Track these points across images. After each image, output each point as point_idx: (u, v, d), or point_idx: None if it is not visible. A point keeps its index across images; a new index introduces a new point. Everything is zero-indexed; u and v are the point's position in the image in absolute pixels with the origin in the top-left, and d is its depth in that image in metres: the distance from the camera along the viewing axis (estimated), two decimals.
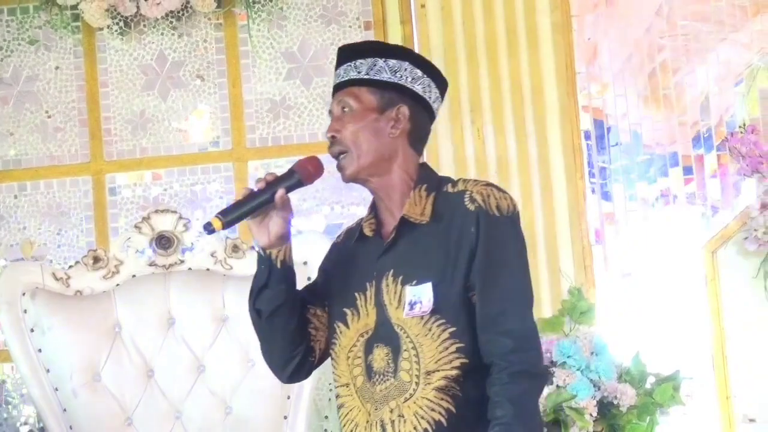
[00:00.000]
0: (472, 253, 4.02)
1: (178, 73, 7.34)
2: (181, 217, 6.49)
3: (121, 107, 7.34)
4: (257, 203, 4.02)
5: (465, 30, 6.96)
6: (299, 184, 4.08)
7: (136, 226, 6.49)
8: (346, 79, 4.19)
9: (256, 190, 4.04)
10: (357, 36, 7.19)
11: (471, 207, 4.05)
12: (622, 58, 7.07)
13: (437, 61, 6.61)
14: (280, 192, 4.01)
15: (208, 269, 6.44)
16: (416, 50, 6.81)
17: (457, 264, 4.04)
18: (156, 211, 6.52)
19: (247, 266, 6.34)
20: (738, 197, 6.85)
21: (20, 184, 7.33)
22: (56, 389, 6.25)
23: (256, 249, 4.13)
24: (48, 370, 6.26)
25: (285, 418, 6.26)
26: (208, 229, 3.98)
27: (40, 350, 6.27)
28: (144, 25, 7.24)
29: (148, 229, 6.45)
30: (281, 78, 7.31)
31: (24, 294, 6.31)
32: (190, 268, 6.45)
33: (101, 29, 7.23)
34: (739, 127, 6.74)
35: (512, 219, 4.09)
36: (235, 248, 6.44)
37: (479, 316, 4.02)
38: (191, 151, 7.36)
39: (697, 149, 7.02)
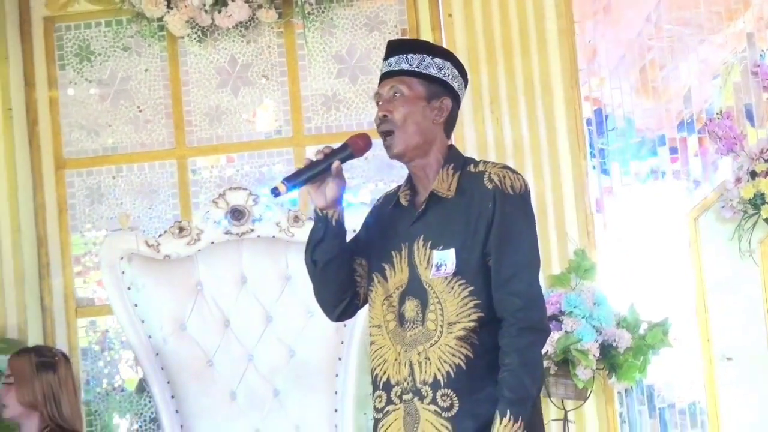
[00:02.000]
0: (489, 225, 4.05)
1: (247, 73, 7.30)
2: (251, 194, 6.53)
3: (200, 102, 7.30)
4: (316, 171, 4.06)
5: (485, 35, 6.92)
6: (351, 156, 4.12)
7: (213, 201, 6.54)
8: (398, 68, 4.21)
9: (315, 160, 4.07)
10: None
11: (489, 186, 4.08)
12: (617, 56, 7.03)
13: (462, 61, 6.71)
14: (336, 163, 4.05)
15: (273, 236, 6.46)
16: None
17: (476, 234, 4.06)
18: (230, 189, 6.58)
19: (306, 233, 6.30)
20: (716, 173, 6.80)
21: (117, 167, 7.29)
22: (149, 337, 6.32)
23: (315, 210, 4.16)
24: (143, 321, 6.32)
25: (339, 359, 6.30)
26: (275, 192, 4.04)
27: (135, 305, 6.33)
28: (218, 34, 7.19)
29: (224, 203, 6.50)
30: (332, 76, 7.26)
31: (122, 258, 6.36)
32: (258, 236, 6.47)
33: (182, 37, 7.19)
34: (716, 113, 6.72)
35: (523, 197, 4.12)
36: (296, 219, 6.47)
37: (494, 279, 4.05)
38: (258, 138, 7.31)
39: (681, 132, 6.97)
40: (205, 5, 6.99)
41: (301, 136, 7.24)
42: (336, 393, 6.27)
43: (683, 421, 6.73)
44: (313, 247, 4.22)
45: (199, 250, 6.45)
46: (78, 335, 7.17)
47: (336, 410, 6.25)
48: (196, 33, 7.13)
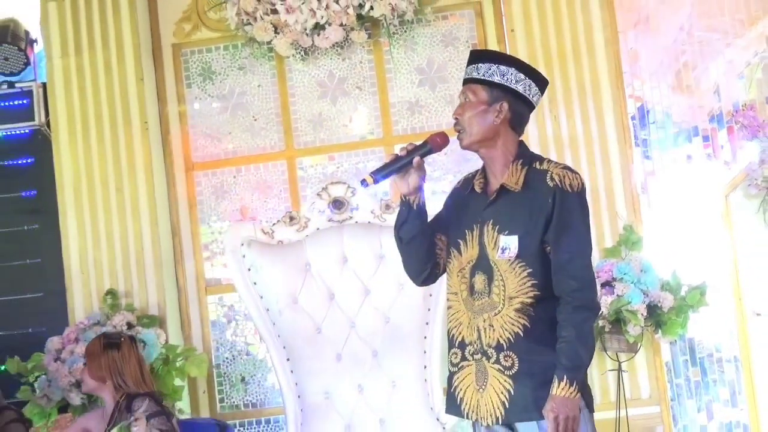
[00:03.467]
0: (548, 218, 4.18)
1: (343, 85, 7.34)
2: (349, 187, 6.59)
3: (305, 111, 7.35)
4: (400, 165, 4.22)
5: (542, 45, 6.87)
6: (430, 151, 4.26)
7: (318, 194, 6.60)
8: (469, 77, 4.34)
9: (399, 155, 4.23)
10: (467, 53, 7.07)
11: (551, 184, 4.19)
12: (655, 60, 7.00)
13: None
14: (417, 159, 4.21)
15: (369, 222, 6.52)
16: None
17: (537, 224, 4.19)
18: (331, 183, 6.63)
19: None
20: (742, 156, 6.73)
21: (237, 168, 7.36)
22: (267, 310, 6.41)
23: (400, 196, 4.31)
24: (261, 297, 6.41)
25: (426, 323, 6.36)
26: (364, 183, 4.24)
27: (255, 283, 6.42)
28: (318, 53, 7.23)
29: (327, 195, 6.57)
30: (415, 86, 7.29)
31: (242, 244, 6.44)
32: (356, 222, 6.53)
33: (288, 57, 7.25)
34: (742, 106, 6.71)
35: (580, 194, 4.22)
36: (387, 206, 6.53)
37: (553, 264, 4.18)
38: (354, 139, 7.34)
39: (712, 123, 6.94)
40: (306, 29, 7.06)
41: (390, 137, 7.27)
42: (425, 352, 6.31)
43: (720, 368, 6.70)
44: (399, 226, 4.37)
45: (307, 235, 6.50)
46: (208, 310, 7.27)
47: (425, 366, 6.29)
48: (299, 53, 7.20)
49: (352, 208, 6.54)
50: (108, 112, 7.19)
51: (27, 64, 7.46)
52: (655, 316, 6.28)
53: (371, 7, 7.04)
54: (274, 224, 6.55)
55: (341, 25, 7.06)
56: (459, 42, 7.26)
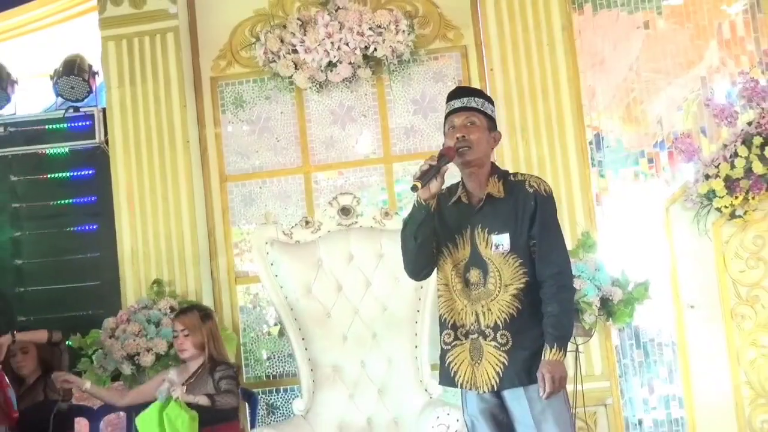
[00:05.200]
0: (532, 217, 4.24)
1: (351, 113, 7.37)
2: (355, 197, 6.57)
3: (319, 134, 7.38)
4: (433, 173, 4.14)
5: (516, 82, 6.86)
6: (448, 161, 4.20)
7: (329, 203, 6.60)
8: (469, 105, 4.33)
9: (432, 164, 4.15)
10: (454, 88, 7.18)
11: (530, 190, 4.27)
12: (609, 96, 7.02)
13: (501, 101, 6.76)
14: (443, 170, 4.17)
15: (371, 227, 6.50)
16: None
17: (523, 223, 4.25)
18: (340, 194, 6.62)
19: (394, 224, 6.39)
20: (680, 176, 6.75)
21: (262, 180, 7.39)
22: (286, 297, 6.39)
23: (417, 200, 4.21)
24: (281, 287, 6.40)
25: (418, 311, 6.35)
26: (414, 189, 4.15)
27: (276, 275, 6.41)
28: (330, 86, 7.28)
29: (336, 204, 6.55)
30: (410, 114, 7.31)
31: (266, 243, 6.43)
32: (361, 226, 6.51)
33: (306, 89, 7.29)
34: (680, 134, 6.69)
35: (552, 197, 4.32)
36: (386, 214, 6.53)
37: (537, 254, 4.23)
38: (359, 158, 7.36)
39: (655, 149, 6.94)
40: (321, 67, 7.12)
41: (390, 156, 7.30)
42: (416, 334, 6.29)
43: (660, 351, 6.71)
44: (416, 227, 4.25)
45: (320, 236, 6.48)
46: (237, 297, 7.30)
47: (416, 346, 6.28)
48: (315, 86, 7.25)
49: (357, 214, 6.51)
50: (156, 133, 7.23)
51: (90, 92, 7.49)
52: (607, 307, 6.24)
53: (375, 49, 7.08)
54: (292, 227, 6.52)
55: (350, 63, 7.11)
56: (447, 78, 7.28)
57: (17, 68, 7.70)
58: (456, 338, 4.35)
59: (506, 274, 4.24)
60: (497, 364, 4.23)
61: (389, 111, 7.33)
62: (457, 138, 4.27)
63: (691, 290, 6.48)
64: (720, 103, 6.59)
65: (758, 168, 6.21)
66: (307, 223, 6.56)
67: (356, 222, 6.53)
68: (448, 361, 4.39)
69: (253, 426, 6.21)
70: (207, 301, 7.07)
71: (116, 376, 6.72)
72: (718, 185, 6.26)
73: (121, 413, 6.48)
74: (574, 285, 4.40)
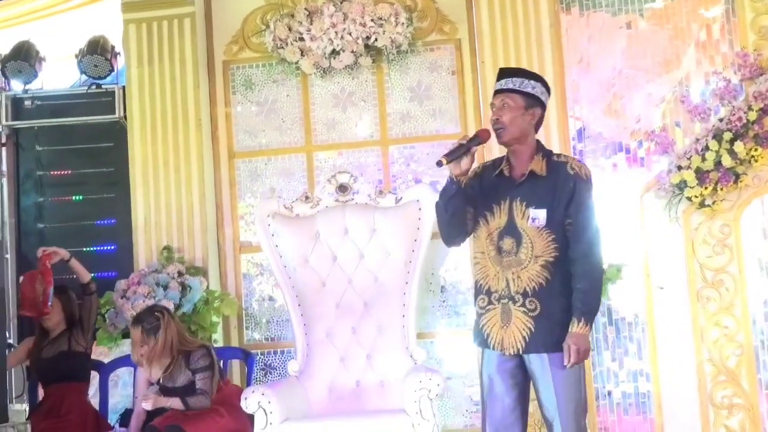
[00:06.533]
0: (569, 198, 4.25)
1: (352, 98, 7.27)
2: (351, 175, 6.55)
3: (321, 116, 7.28)
4: (462, 152, 4.14)
5: None
6: (480, 142, 4.23)
7: (328, 180, 6.59)
8: (506, 87, 4.34)
9: (461, 143, 4.17)
10: (448, 79, 7.11)
11: (571, 172, 4.28)
12: (592, 91, 6.90)
13: (488, 93, 6.46)
14: (473, 150, 4.17)
15: (366, 203, 6.48)
16: (476, 87, 6.87)
17: (560, 202, 4.25)
18: (338, 172, 6.62)
19: (387, 202, 6.42)
20: (655, 166, 6.64)
21: (267, 158, 7.29)
22: (285, 266, 6.39)
23: (450, 176, 4.23)
24: (281, 256, 6.39)
25: (406, 283, 6.31)
26: (439, 164, 4.18)
27: (276, 246, 6.41)
28: (333, 73, 7.16)
29: (334, 181, 6.54)
30: (407, 101, 7.20)
31: (268, 216, 6.44)
32: (356, 203, 6.49)
33: (310, 74, 7.19)
34: (657, 128, 6.63)
35: (591, 181, 4.34)
36: (381, 192, 6.51)
37: (572, 232, 4.23)
38: (358, 140, 7.25)
39: (633, 141, 6.82)
40: (325, 54, 7.01)
41: (386, 139, 7.19)
42: (404, 305, 6.25)
43: (630, 328, 6.62)
44: (447, 200, 4.28)
45: (318, 211, 6.46)
46: (241, 265, 7.22)
47: (403, 316, 6.24)
48: (319, 72, 7.14)
49: (354, 192, 6.50)
50: (171, 111, 7.16)
51: (111, 70, 7.44)
52: None
53: (376, 39, 6.98)
54: (293, 202, 6.53)
55: (352, 51, 7.01)
56: (442, 69, 7.18)
57: (46, 47, 7.62)
58: (489, 302, 4.35)
59: (538, 246, 4.23)
60: (524, 329, 4.25)
61: (387, 97, 7.22)
62: (492, 121, 4.34)
63: (661, 273, 6.44)
64: (694, 100, 6.59)
65: (727, 161, 6.18)
66: (306, 198, 6.56)
67: (352, 199, 6.51)
68: (481, 324, 4.40)
69: (249, 384, 6.12)
70: (213, 267, 7.04)
71: (126, 333, 6.62)
72: (690, 176, 6.22)
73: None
74: (602, 264, 4.39)
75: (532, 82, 4.36)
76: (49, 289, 6.16)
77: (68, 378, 6.22)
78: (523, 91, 4.33)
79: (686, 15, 6.79)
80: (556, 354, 4.24)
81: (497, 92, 4.38)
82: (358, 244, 6.38)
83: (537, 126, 4.42)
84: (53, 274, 6.25)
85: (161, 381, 5.84)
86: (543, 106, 4.42)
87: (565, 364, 4.19)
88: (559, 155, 4.41)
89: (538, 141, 4.43)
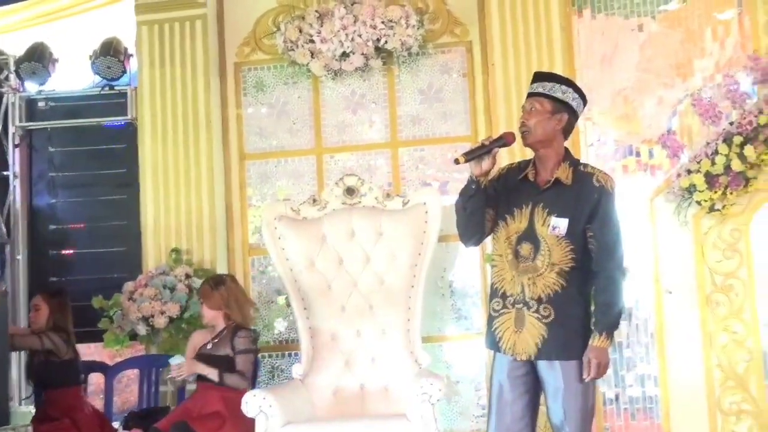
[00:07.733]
0: (593, 210, 4.18)
1: (363, 100, 7.28)
2: (359, 178, 6.54)
3: (332, 119, 7.27)
4: (483, 152, 4.09)
5: (515, 77, 6.77)
6: (504, 145, 4.17)
7: (336, 183, 6.58)
8: (536, 91, 4.29)
9: (483, 144, 4.12)
10: (459, 81, 7.10)
11: (596, 184, 4.21)
12: (603, 93, 6.89)
13: (501, 95, 6.75)
14: (494, 151, 4.12)
15: (373, 206, 6.47)
16: (487, 89, 6.85)
17: (582, 213, 4.18)
18: (346, 175, 6.61)
19: (396, 205, 6.42)
20: (666, 170, 6.64)
21: (278, 160, 7.29)
22: (291, 269, 6.38)
23: (470, 176, 4.17)
24: (287, 259, 6.39)
25: (412, 286, 6.31)
26: (457, 162, 4.12)
27: (283, 248, 6.40)
28: (344, 75, 7.16)
29: (342, 184, 6.54)
30: (417, 103, 7.19)
31: (275, 219, 6.43)
32: (363, 206, 6.48)
33: (321, 77, 7.19)
34: (667, 132, 6.60)
35: (614, 193, 4.24)
36: (388, 195, 6.50)
37: (598, 246, 4.19)
38: (369, 142, 7.26)
39: (643, 144, 6.80)
40: (335, 56, 7.01)
41: (397, 142, 7.19)
42: (409, 308, 6.26)
43: (640, 330, 6.61)
44: (466, 200, 4.22)
45: (325, 214, 6.46)
46: (249, 267, 7.22)
47: (408, 320, 6.25)
48: (330, 74, 7.14)
49: (361, 195, 6.49)
50: (182, 112, 7.19)
51: (124, 72, 7.50)
52: None
53: (386, 42, 6.97)
54: (300, 204, 6.52)
55: (362, 54, 7.01)
56: (453, 71, 7.17)
57: (59, 49, 7.70)
58: (504, 306, 4.31)
59: (556, 254, 4.19)
60: (537, 336, 4.22)
61: (398, 99, 7.22)
62: (519, 123, 4.30)
63: (670, 277, 6.40)
64: (706, 103, 6.48)
65: (737, 165, 6.13)
66: (314, 201, 6.55)
67: (359, 202, 6.51)
68: (494, 327, 4.36)
69: (253, 387, 6.13)
70: (221, 269, 7.01)
71: (133, 335, 6.71)
72: (699, 180, 6.17)
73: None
74: (625, 277, 4.37)
75: (563, 87, 4.32)
76: None
77: (56, 384, 6.22)
78: (552, 95, 4.28)
79: (698, 18, 6.77)
80: (568, 362, 4.22)
81: (529, 95, 4.36)
82: (365, 247, 6.36)
83: (566, 132, 4.34)
84: None
85: (206, 346, 6.01)
86: (573, 112, 4.33)
87: (584, 377, 4.18)
88: (586, 165, 4.35)
89: (566, 149, 4.37)
